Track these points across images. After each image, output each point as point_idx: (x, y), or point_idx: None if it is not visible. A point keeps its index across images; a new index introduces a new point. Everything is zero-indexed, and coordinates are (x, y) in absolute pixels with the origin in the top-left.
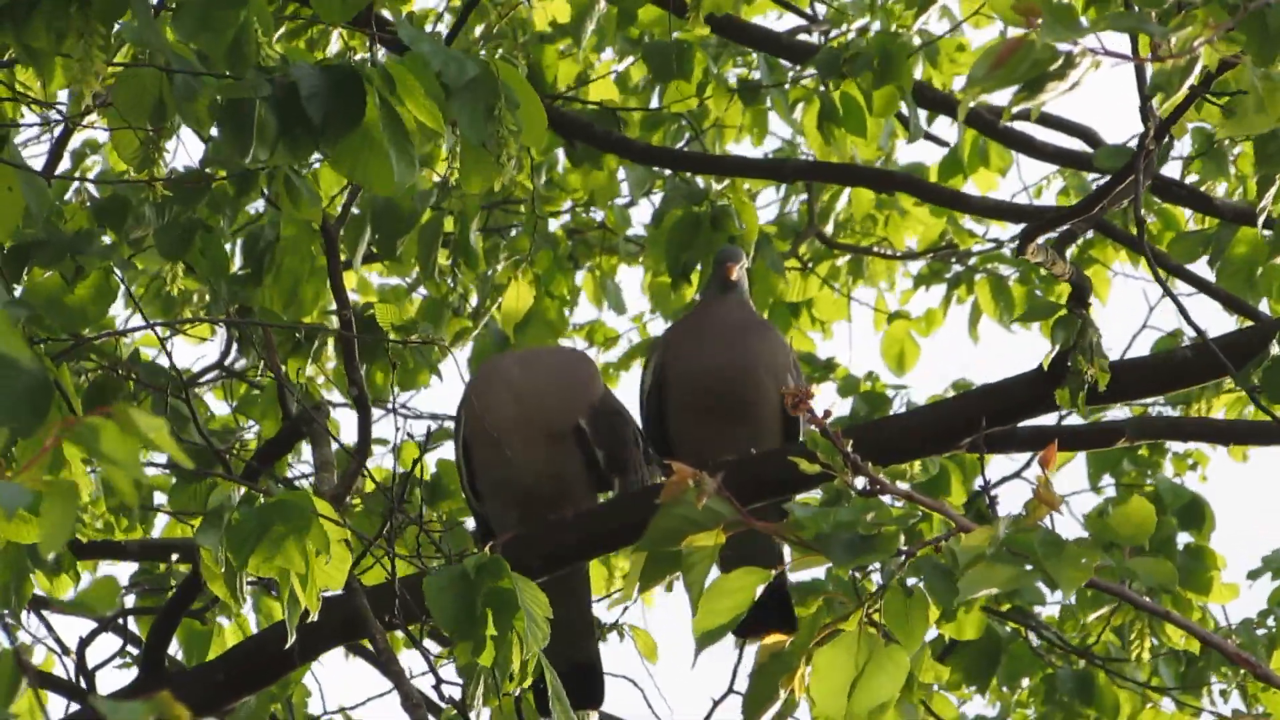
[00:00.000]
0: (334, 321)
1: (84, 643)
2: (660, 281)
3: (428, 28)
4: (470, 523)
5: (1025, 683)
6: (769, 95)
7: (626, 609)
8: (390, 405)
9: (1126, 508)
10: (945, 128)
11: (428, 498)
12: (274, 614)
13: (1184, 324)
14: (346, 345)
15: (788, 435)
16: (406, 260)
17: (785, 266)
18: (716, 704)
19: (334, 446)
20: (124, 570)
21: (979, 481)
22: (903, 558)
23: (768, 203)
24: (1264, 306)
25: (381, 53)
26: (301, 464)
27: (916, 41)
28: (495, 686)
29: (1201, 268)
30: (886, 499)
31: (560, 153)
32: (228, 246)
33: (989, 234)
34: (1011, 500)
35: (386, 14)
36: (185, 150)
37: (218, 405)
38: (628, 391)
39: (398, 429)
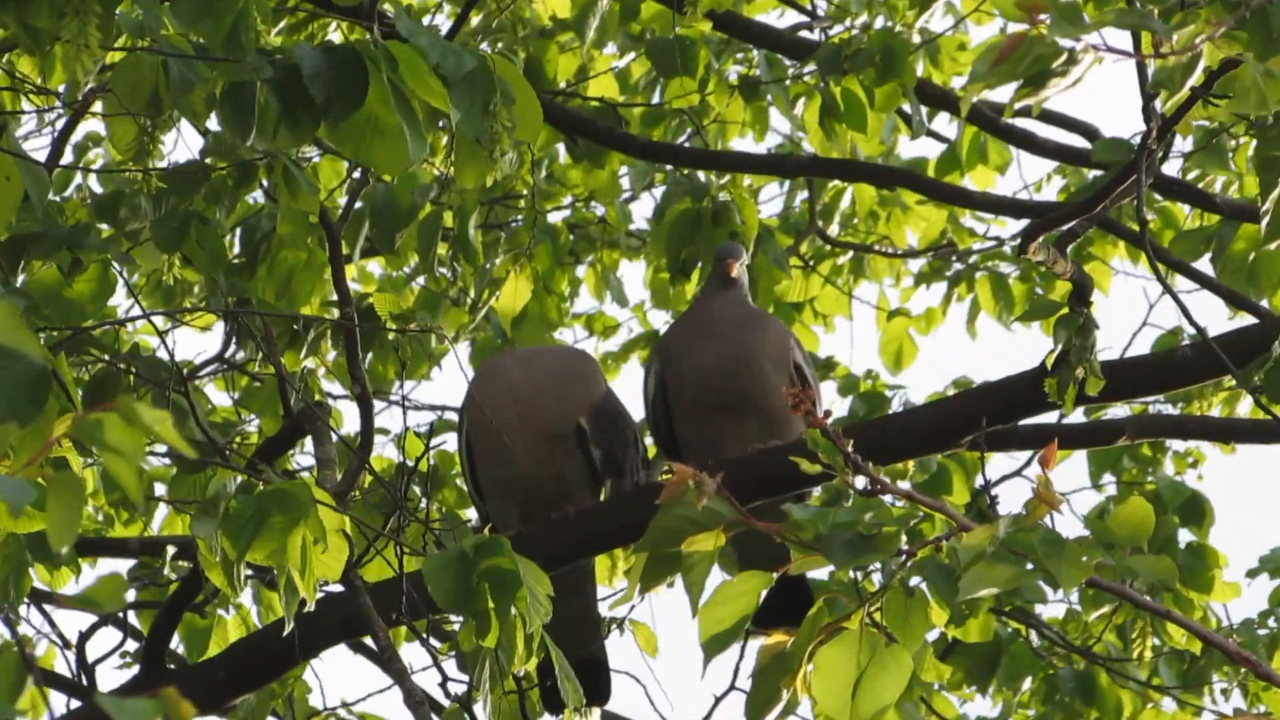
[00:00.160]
0: (334, 314)
1: (84, 637)
2: (662, 277)
3: (426, 20)
4: (472, 514)
5: (1027, 683)
6: (770, 92)
7: (634, 607)
8: (393, 397)
9: (1125, 508)
10: (946, 124)
11: (428, 489)
12: (275, 607)
13: (1184, 322)
14: (349, 342)
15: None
16: (405, 254)
17: (789, 263)
18: (718, 701)
19: (334, 440)
20: (124, 566)
21: (980, 480)
22: (903, 557)
23: (771, 197)
24: (1264, 304)
25: None
26: (304, 455)
27: (918, 39)
28: (501, 669)
29: (1204, 265)
30: (887, 499)
31: (560, 147)
32: (225, 238)
33: (989, 232)
34: (1013, 499)
35: (388, 8)
36: (185, 144)
37: (219, 396)
38: (626, 383)
39: (405, 426)
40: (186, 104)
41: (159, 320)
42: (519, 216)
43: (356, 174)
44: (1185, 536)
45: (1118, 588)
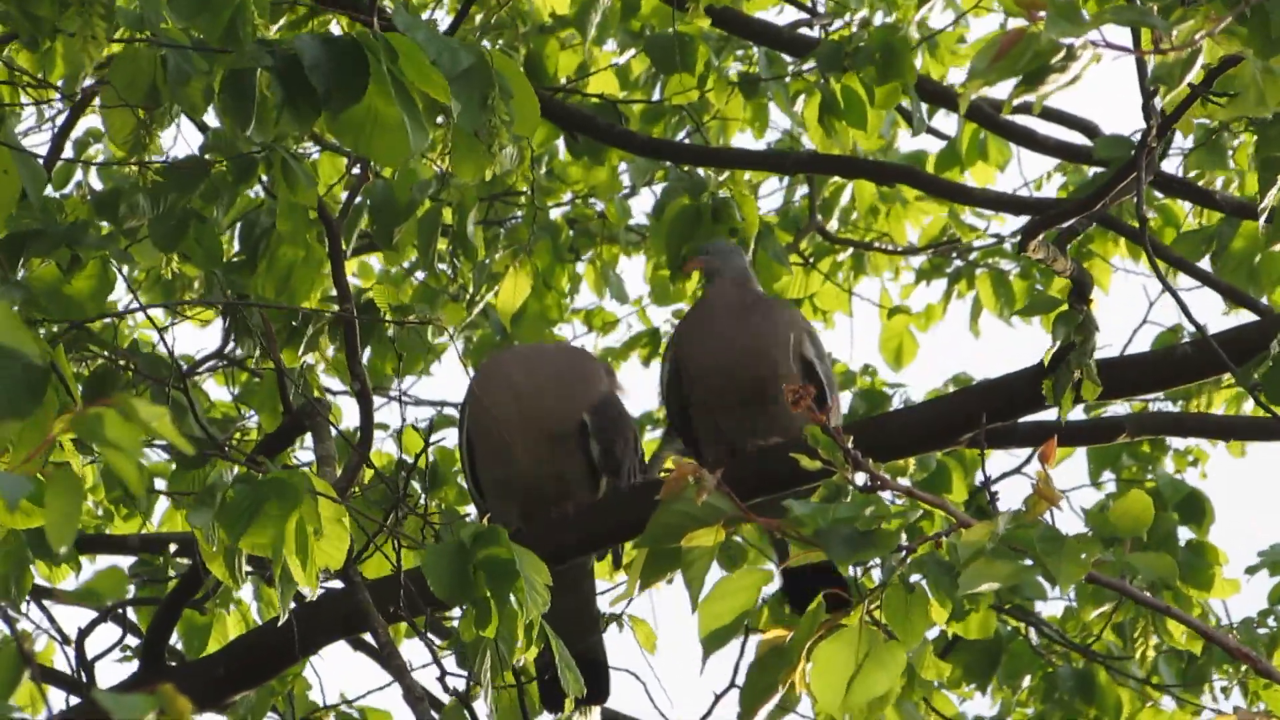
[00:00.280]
0: (333, 309)
1: (83, 633)
2: (662, 274)
3: (426, 16)
4: (472, 511)
5: (1026, 681)
6: (770, 89)
7: (631, 602)
8: (392, 392)
9: (1125, 501)
10: (945, 120)
11: (426, 485)
12: (275, 603)
13: (1184, 319)
14: (348, 338)
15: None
16: (404, 250)
17: (790, 260)
18: (718, 698)
19: (334, 436)
20: (123, 562)
21: (979, 477)
22: (903, 554)
23: (771, 191)
24: (1264, 301)
25: None
26: (303, 450)
27: (916, 35)
28: (502, 659)
29: (1204, 263)
30: (887, 495)
31: (560, 144)
32: (224, 235)
33: (990, 229)
34: (1013, 496)
35: (387, 4)
36: (185, 140)
37: (218, 391)
38: (626, 381)
39: (404, 421)
40: (184, 96)
41: (158, 314)
42: (519, 213)
43: (356, 170)
44: (1185, 534)
45: (1117, 583)
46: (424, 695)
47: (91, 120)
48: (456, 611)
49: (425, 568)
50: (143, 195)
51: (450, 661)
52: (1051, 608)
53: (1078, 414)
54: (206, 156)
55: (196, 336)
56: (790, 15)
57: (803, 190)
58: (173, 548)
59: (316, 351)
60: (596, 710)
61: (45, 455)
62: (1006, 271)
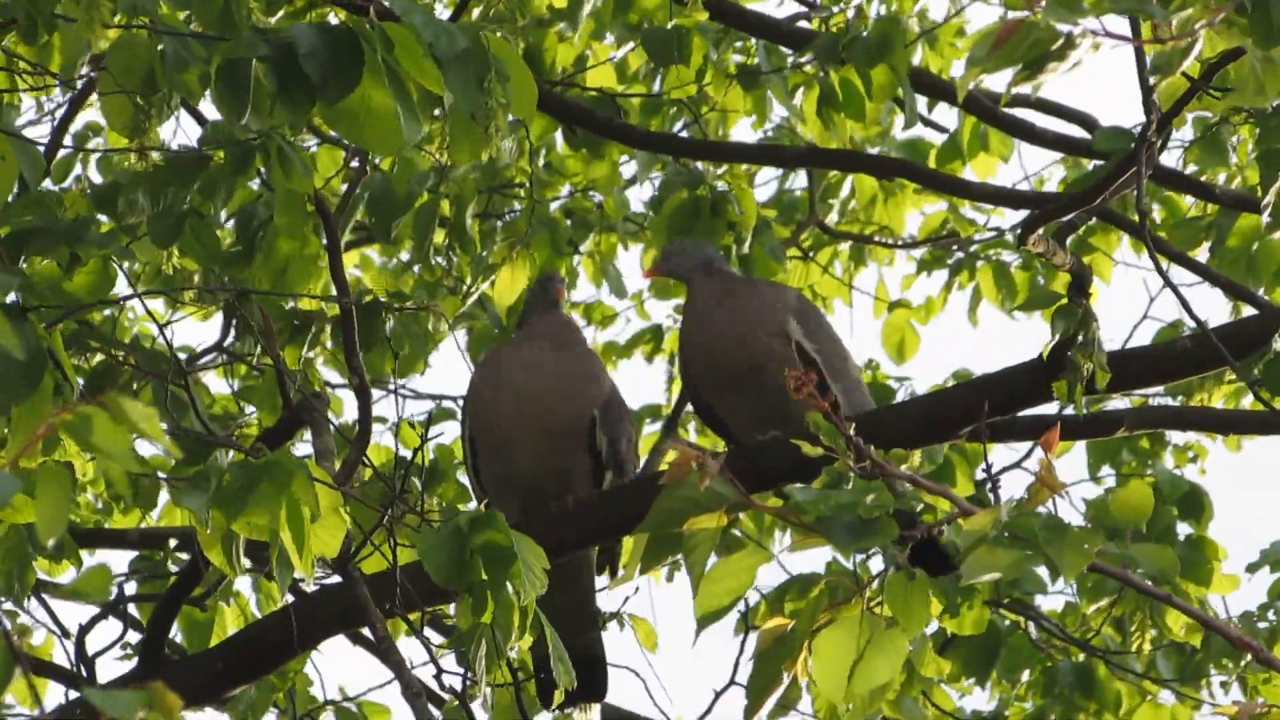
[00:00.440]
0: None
1: (84, 630)
2: None
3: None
4: (470, 507)
5: (1025, 675)
6: (769, 80)
7: (628, 599)
8: (391, 386)
9: (1125, 491)
10: (947, 114)
11: (426, 482)
12: (275, 596)
13: (1184, 314)
14: (347, 332)
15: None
16: (402, 243)
17: (786, 255)
18: (718, 695)
19: (333, 431)
20: (124, 556)
21: (981, 470)
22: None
23: (768, 180)
24: (1262, 295)
25: None
26: (303, 444)
27: (916, 27)
28: (497, 647)
29: (1204, 256)
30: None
31: (559, 137)
32: (221, 229)
33: (990, 223)
34: (1012, 492)
35: None
36: (184, 133)
37: (217, 384)
38: (624, 375)
39: (400, 416)
40: (181, 83)
41: (158, 306)
42: (517, 206)
43: (354, 164)
44: (1184, 530)
45: (1119, 573)
46: (422, 691)
47: (91, 115)
48: (454, 609)
49: (422, 553)
50: (142, 193)
51: (448, 661)
52: (1051, 602)
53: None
54: (205, 150)
55: (197, 331)
56: (789, 9)
57: (801, 180)
58: (173, 543)
59: (317, 347)
60: (596, 707)
61: (41, 445)
62: (1008, 264)
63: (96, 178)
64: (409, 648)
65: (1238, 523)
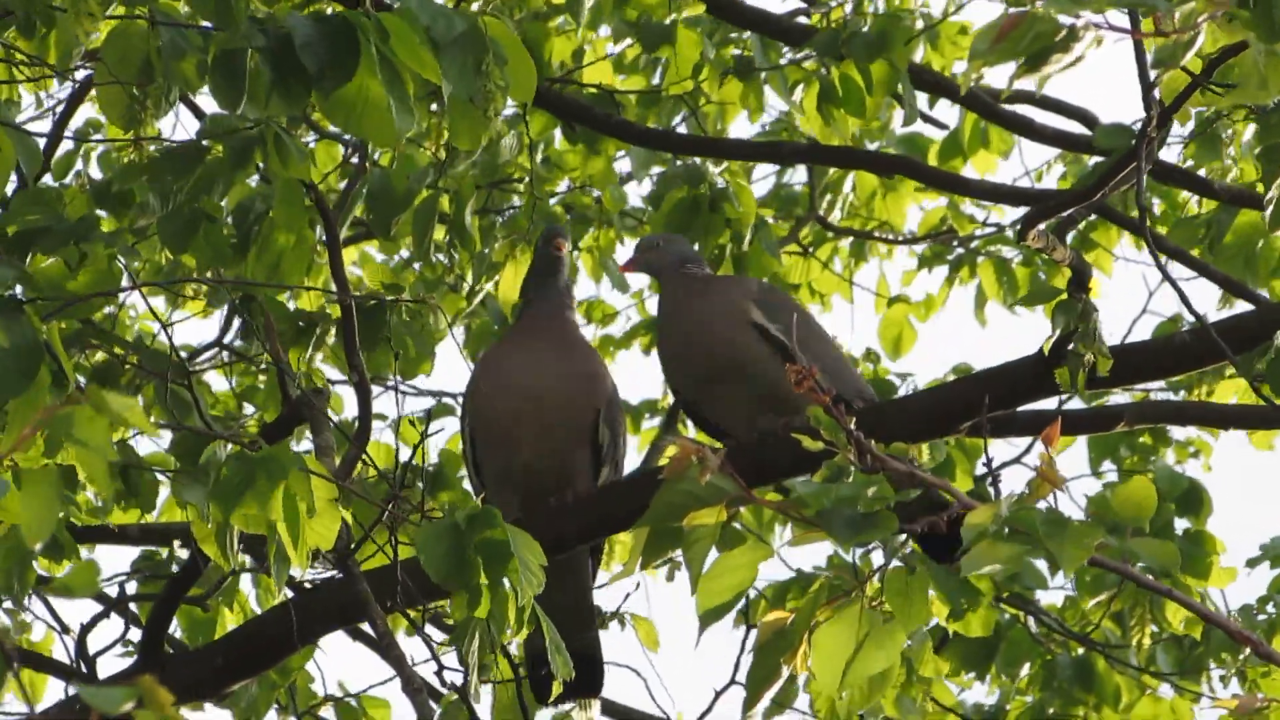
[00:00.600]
0: (332, 300)
1: (85, 628)
2: None
3: None
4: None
5: (1025, 669)
6: (765, 77)
7: (628, 595)
8: (390, 383)
9: (1127, 488)
10: (946, 110)
11: (429, 488)
12: (274, 591)
13: (1184, 309)
14: (346, 328)
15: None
16: (402, 239)
17: (786, 251)
18: (719, 695)
19: (332, 427)
20: (126, 553)
21: (981, 465)
22: (904, 536)
23: (765, 175)
24: (1263, 293)
25: None
26: (303, 441)
27: (919, 25)
28: (492, 640)
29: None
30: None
31: (557, 132)
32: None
33: (990, 219)
34: (1011, 487)
35: None
36: (183, 128)
37: (218, 383)
38: (621, 367)
39: (400, 413)
40: (178, 72)
41: (159, 305)
42: (516, 200)
43: (353, 160)
44: (1182, 525)
45: (1120, 567)
46: (423, 686)
47: (90, 111)
48: (450, 587)
49: (419, 548)
50: (152, 195)
51: (450, 658)
52: (1050, 596)
53: (1077, 403)
54: (204, 143)
55: (198, 330)
56: (790, 4)
57: (800, 175)
58: (176, 544)
59: (322, 348)
60: (596, 705)
61: (42, 441)
62: (1009, 259)
63: (97, 174)
64: (410, 645)
65: (1245, 520)
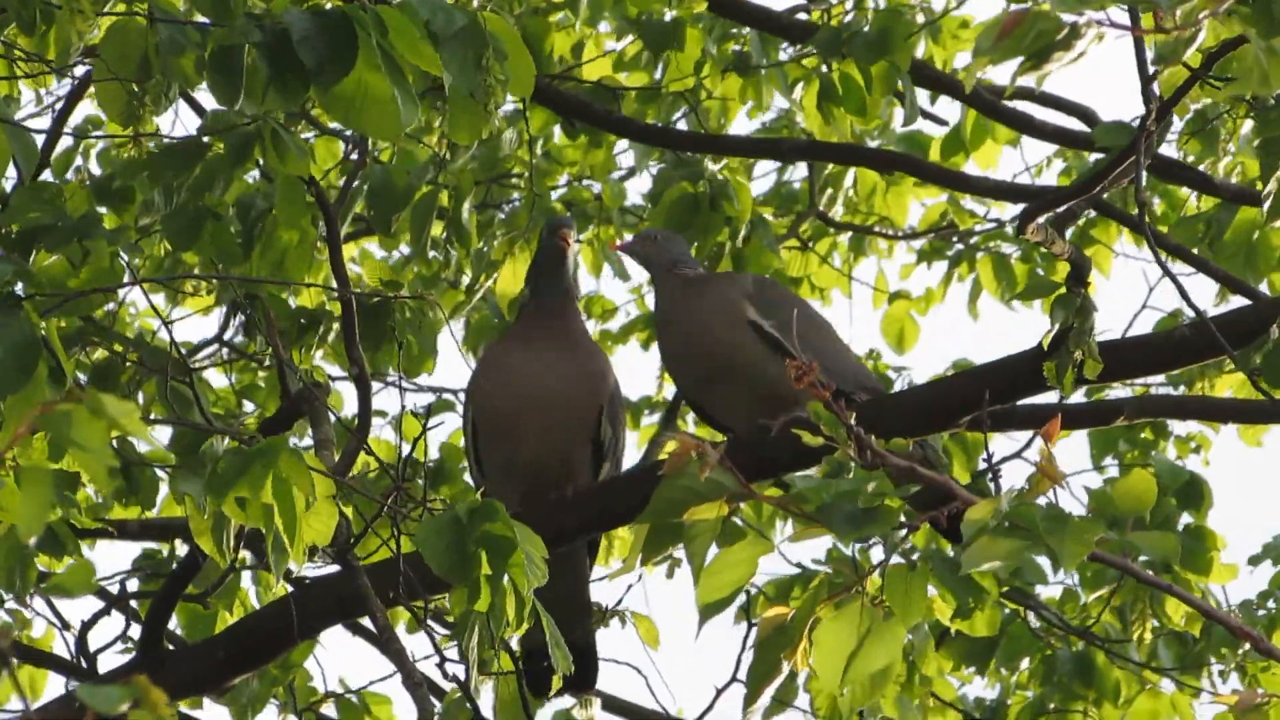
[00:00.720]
0: (332, 297)
1: (86, 625)
2: None
3: None
4: None
5: (1025, 664)
6: (765, 74)
7: (630, 588)
8: (390, 378)
9: (1127, 481)
10: (946, 106)
11: (431, 482)
12: (273, 587)
13: (1184, 304)
14: (346, 322)
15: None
16: (401, 235)
17: (786, 246)
18: (720, 692)
19: (333, 422)
20: (127, 551)
21: (982, 460)
22: (904, 531)
23: (766, 171)
24: (1264, 288)
25: None
26: (305, 438)
27: (920, 19)
28: (491, 635)
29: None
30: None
31: (556, 127)
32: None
33: (990, 214)
34: (1011, 482)
35: None
36: (183, 124)
37: (218, 380)
38: (619, 362)
39: (403, 406)
40: (176, 68)
41: (159, 302)
42: (516, 196)
43: (353, 156)
44: (1184, 521)
45: (1121, 563)
46: (423, 681)
47: (90, 107)
48: (452, 581)
49: (420, 543)
50: (156, 192)
51: (452, 652)
52: (1051, 591)
53: (1078, 397)
54: (204, 139)
55: (198, 326)
56: (788, 1)
57: (800, 172)
58: (177, 541)
59: (324, 345)
60: (597, 702)
61: (44, 438)
62: (1008, 255)
63: (97, 171)
64: (412, 641)
65: (1247, 517)
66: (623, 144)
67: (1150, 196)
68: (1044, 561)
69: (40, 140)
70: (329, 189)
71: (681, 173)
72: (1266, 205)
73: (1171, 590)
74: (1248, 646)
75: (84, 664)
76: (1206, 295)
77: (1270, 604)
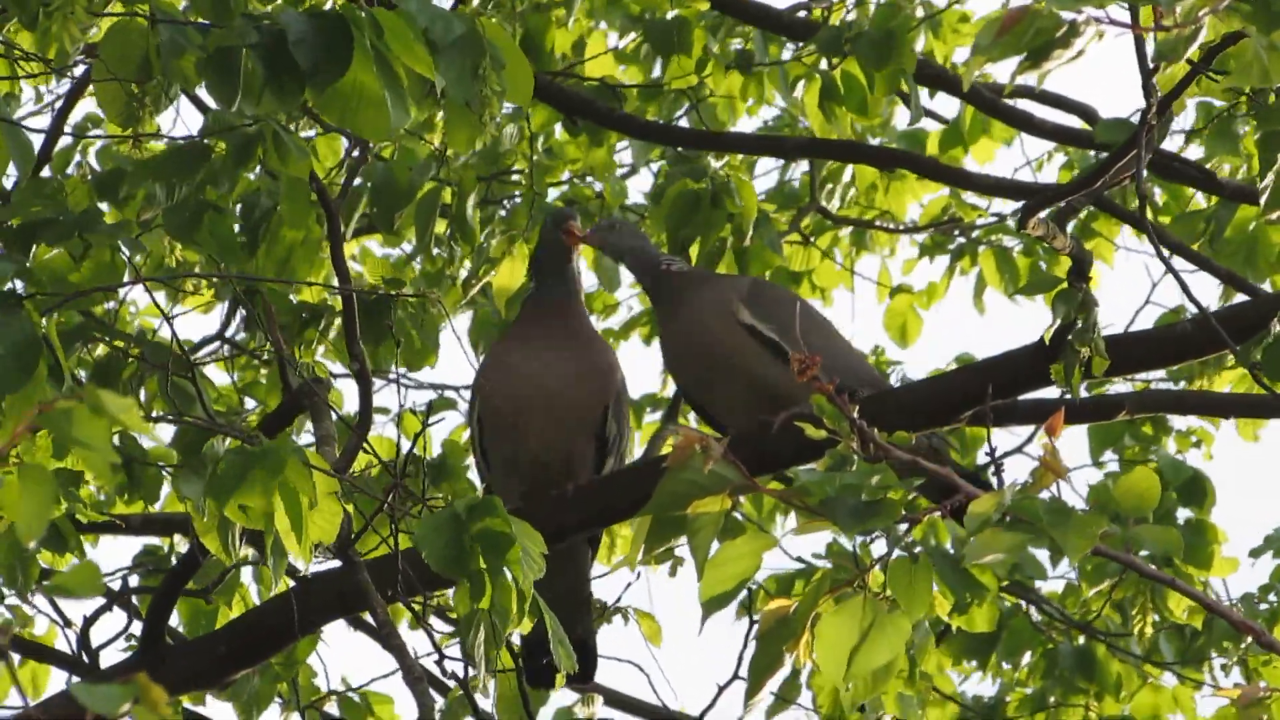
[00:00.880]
0: (334, 295)
1: (88, 622)
2: None
3: None
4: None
5: (1026, 658)
6: (766, 73)
7: (628, 585)
8: (391, 375)
9: (1130, 478)
10: (947, 103)
11: (432, 479)
12: (272, 585)
13: (1185, 300)
14: (347, 318)
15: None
16: (403, 233)
17: (787, 241)
18: (722, 689)
19: (334, 418)
20: (129, 546)
21: (983, 454)
22: (907, 524)
23: (768, 170)
24: (1265, 286)
25: None
26: (305, 433)
27: (919, 14)
28: (495, 634)
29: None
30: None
31: (558, 124)
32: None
33: (992, 208)
34: (1012, 477)
35: None
36: (184, 124)
37: (219, 377)
38: (623, 361)
39: (402, 404)
40: (176, 69)
41: (160, 298)
42: (517, 193)
43: (355, 154)
44: (1185, 515)
45: (1123, 557)
46: (424, 676)
47: (90, 105)
48: (452, 596)
49: (418, 539)
50: (159, 187)
51: (452, 649)
52: (1051, 585)
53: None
54: (205, 141)
55: (199, 323)
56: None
57: (802, 169)
58: (178, 537)
59: (325, 342)
60: (599, 699)
61: (47, 435)
62: (1010, 249)
63: (97, 168)
64: (414, 639)
65: (1247, 514)
66: (623, 141)
67: (1151, 188)
68: (1043, 557)
69: (40, 139)
70: (331, 186)
71: (683, 170)
72: (1263, 199)
73: (1173, 584)
74: (1249, 640)
75: (86, 660)
76: (1208, 290)
77: (1272, 597)
